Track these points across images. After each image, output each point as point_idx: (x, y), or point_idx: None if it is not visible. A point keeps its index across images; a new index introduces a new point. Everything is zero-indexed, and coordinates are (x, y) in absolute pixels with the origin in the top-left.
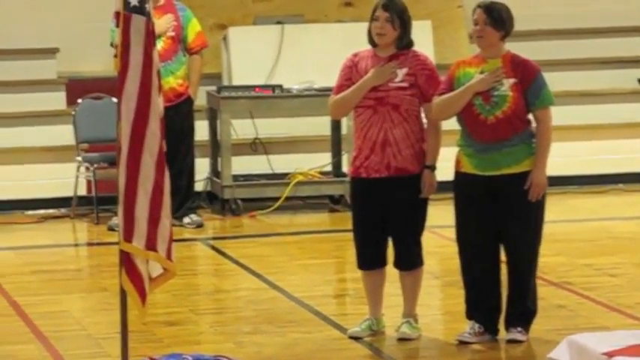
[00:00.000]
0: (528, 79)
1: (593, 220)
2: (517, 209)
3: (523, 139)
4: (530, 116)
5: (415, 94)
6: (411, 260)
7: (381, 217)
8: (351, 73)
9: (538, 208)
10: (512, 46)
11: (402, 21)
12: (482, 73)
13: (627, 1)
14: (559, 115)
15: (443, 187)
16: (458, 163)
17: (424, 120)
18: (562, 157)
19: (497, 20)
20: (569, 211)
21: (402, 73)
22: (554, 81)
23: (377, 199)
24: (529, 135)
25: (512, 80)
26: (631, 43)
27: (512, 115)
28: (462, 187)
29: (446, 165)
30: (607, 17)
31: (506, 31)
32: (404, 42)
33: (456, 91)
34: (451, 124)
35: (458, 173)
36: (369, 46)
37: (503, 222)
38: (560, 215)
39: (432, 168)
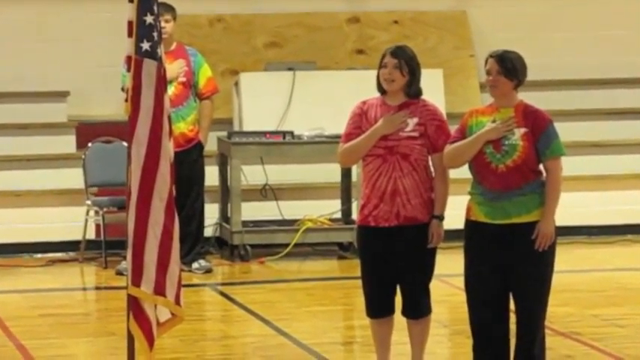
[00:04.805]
0: (539, 129)
1: (601, 270)
2: (526, 258)
3: (534, 189)
4: (542, 166)
5: (424, 144)
6: (419, 309)
7: (390, 266)
8: (360, 121)
9: (547, 257)
10: (524, 96)
11: (411, 67)
12: (494, 122)
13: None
14: (569, 165)
15: (452, 235)
16: (468, 210)
17: (432, 170)
18: (571, 208)
19: (510, 70)
20: (578, 262)
21: (412, 122)
22: (566, 131)
23: (385, 248)
24: (540, 185)
25: (523, 130)
26: None
27: (522, 165)
28: (472, 234)
29: (455, 213)
30: (619, 68)
31: (519, 80)
32: (413, 89)
33: (467, 139)
34: (460, 173)
35: (468, 221)
36: (379, 94)
37: (512, 271)
38: (568, 265)
39: (440, 218)
